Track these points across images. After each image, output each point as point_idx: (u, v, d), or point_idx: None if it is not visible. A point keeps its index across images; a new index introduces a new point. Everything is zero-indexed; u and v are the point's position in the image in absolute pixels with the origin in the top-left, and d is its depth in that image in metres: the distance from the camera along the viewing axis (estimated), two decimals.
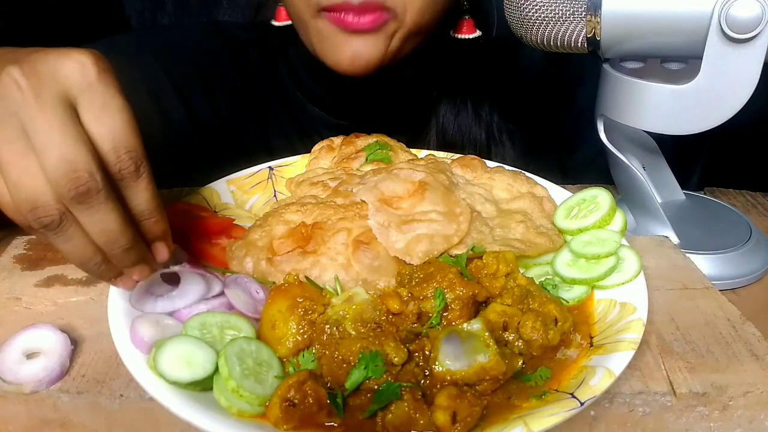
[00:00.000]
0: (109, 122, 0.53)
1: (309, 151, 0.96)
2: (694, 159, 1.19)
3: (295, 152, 0.96)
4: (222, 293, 0.67)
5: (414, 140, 0.98)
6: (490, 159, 0.92)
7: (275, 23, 1.04)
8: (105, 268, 0.59)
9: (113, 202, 0.54)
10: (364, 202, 0.76)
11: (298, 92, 1.16)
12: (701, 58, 0.75)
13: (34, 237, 0.84)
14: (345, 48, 0.87)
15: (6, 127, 0.51)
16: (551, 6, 0.78)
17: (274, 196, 0.90)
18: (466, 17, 1.04)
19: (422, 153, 0.95)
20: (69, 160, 0.51)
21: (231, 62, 1.15)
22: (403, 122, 1.15)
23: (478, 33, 1.04)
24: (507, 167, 0.90)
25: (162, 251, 0.62)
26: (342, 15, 0.84)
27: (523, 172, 0.89)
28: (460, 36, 1.04)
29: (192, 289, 0.66)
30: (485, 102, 1.17)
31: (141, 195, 0.57)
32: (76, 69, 0.52)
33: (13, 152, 0.51)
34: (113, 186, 0.55)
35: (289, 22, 1.00)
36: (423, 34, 0.93)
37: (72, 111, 0.52)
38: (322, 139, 0.97)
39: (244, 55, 1.16)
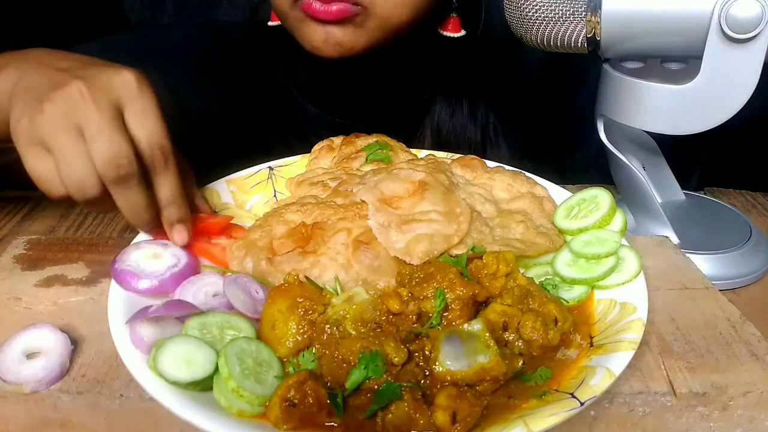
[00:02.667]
0: (147, 125, 0.67)
1: (306, 151, 0.96)
2: (694, 159, 1.19)
3: (293, 152, 0.96)
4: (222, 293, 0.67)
5: (409, 139, 0.99)
6: (485, 159, 0.92)
7: (271, 23, 1.05)
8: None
9: (143, 186, 0.68)
10: (364, 202, 0.76)
11: (294, 90, 1.16)
12: (701, 58, 0.75)
13: (34, 237, 0.84)
14: (318, 30, 0.91)
15: (65, 120, 0.64)
16: (551, 6, 0.78)
17: (274, 196, 0.90)
18: (453, 15, 1.04)
19: (422, 153, 0.95)
20: (114, 149, 0.64)
21: (227, 61, 1.15)
22: (397, 121, 1.15)
23: (462, 32, 1.05)
24: (507, 167, 0.90)
25: (182, 233, 0.73)
26: (312, 3, 0.88)
27: (523, 172, 0.89)
28: (444, 33, 1.05)
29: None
30: (481, 102, 1.17)
31: (167, 184, 0.70)
32: (124, 83, 0.67)
33: (69, 139, 0.64)
34: (145, 176, 0.68)
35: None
36: (402, 28, 0.94)
37: (119, 114, 0.66)
38: (319, 139, 0.97)
39: (240, 54, 1.16)
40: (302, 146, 0.98)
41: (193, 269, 0.71)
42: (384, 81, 1.12)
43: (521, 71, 1.19)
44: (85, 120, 0.64)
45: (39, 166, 0.66)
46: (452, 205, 0.75)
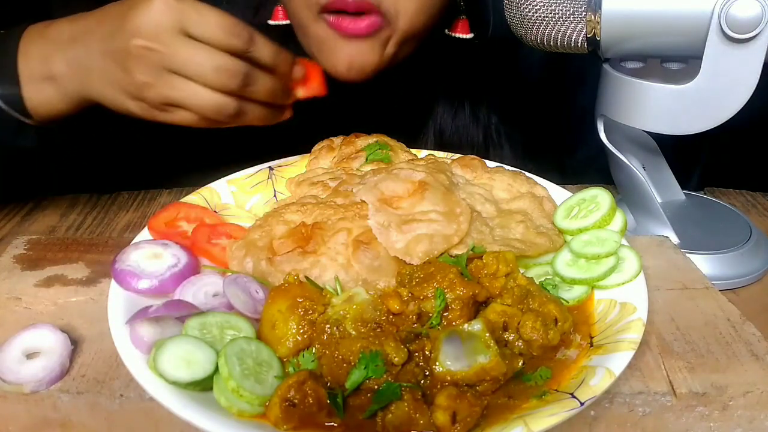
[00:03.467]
0: (213, 24, 0.72)
1: (306, 152, 0.96)
2: (694, 159, 1.19)
3: (293, 152, 0.96)
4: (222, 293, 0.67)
5: (411, 141, 0.99)
6: (488, 160, 0.92)
7: (271, 22, 1.05)
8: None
9: (257, 71, 0.75)
10: (364, 202, 0.76)
11: None
12: (701, 58, 0.75)
13: (34, 237, 0.84)
14: (342, 54, 0.89)
15: (159, 70, 0.72)
16: (551, 6, 0.78)
17: (274, 196, 0.90)
18: (462, 17, 1.04)
19: (422, 153, 0.95)
20: (215, 66, 0.71)
21: None
22: (400, 123, 1.15)
23: (471, 35, 1.05)
24: (507, 167, 0.90)
25: (298, 70, 0.82)
26: (340, 19, 0.87)
27: (523, 172, 0.89)
28: (454, 35, 1.05)
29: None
30: (483, 103, 1.17)
31: (265, 50, 0.76)
32: (164, 10, 0.71)
33: (178, 87, 0.72)
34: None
35: (286, 22, 1.01)
36: (417, 39, 0.94)
37: (188, 35, 0.72)
38: (320, 140, 0.97)
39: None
40: (303, 148, 0.98)
41: (193, 269, 0.71)
42: (390, 87, 1.11)
43: (522, 71, 1.19)
44: (174, 62, 0.71)
45: (181, 118, 0.75)
46: (452, 205, 0.75)
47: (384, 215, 0.73)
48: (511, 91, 1.19)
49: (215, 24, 0.72)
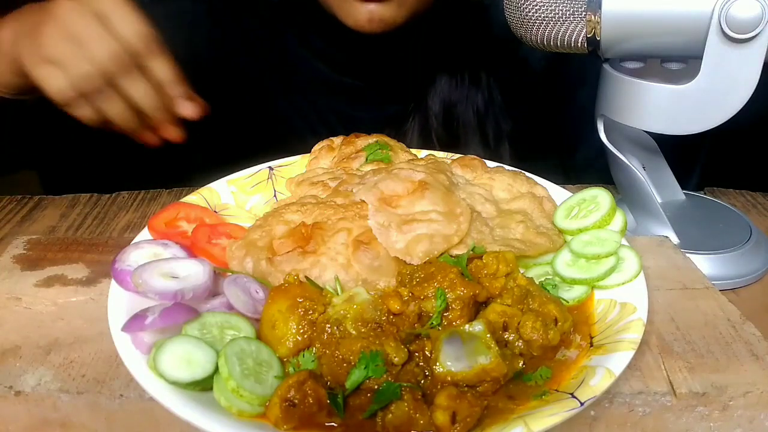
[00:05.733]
0: (126, 24, 0.80)
1: (315, 112, 0.96)
2: (694, 159, 1.19)
3: (301, 113, 0.96)
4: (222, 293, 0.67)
5: (416, 108, 1.00)
6: (490, 135, 0.92)
7: None
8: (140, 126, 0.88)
9: (145, 75, 0.83)
10: (364, 202, 0.76)
11: (304, 50, 1.17)
12: (701, 58, 0.75)
13: (34, 237, 0.84)
14: (363, 9, 0.95)
15: (61, 35, 0.79)
16: (551, 6, 0.78)
17: (274, 196, 0.90)
18: None
19: (422, 153, 0.95)
20: (111, 50, 0.79)
21: (232, 22, 1.15)
22: (403, 87, 1.15)
23: None
24: (507, 167, 0.90)
25: (187, 107, 0.87)
26: None
27: (523, 172, 0.89)
28: None
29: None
30: (482, 74, 1.18)
31: (160, 66, 0.83)
32: None
33: (67, 49, 0.79)
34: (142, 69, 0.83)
35: None
36: None
37: (104, 19, 0.79)
38: (326, 100, 0.97)
39: (246, 12, 1.17)
40: (311, 108, 0.99)
41: None
42: (399, 44, 1.13)
43: (522, 62, 1.20)
44: (78, 30, 0.78)
45: (51, 77, 0.80)
46: (452, 205, 0.75)
47: (384, 215, 0.73)
48: (510, 62, 1.19)
49: (128, 23, 0.80)
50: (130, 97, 0.83)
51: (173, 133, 0.90)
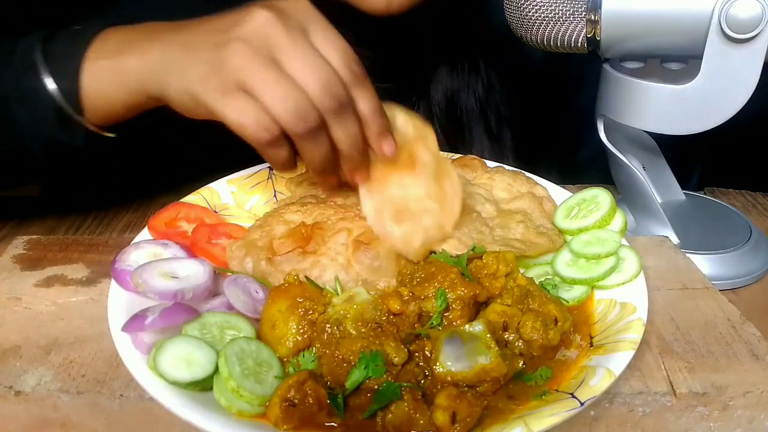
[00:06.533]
0: (337, 44, 0.66)
1: None
2: (694, 159, 1.19)
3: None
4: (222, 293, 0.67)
5: (419, 95, 0.99)
6: (491, 118, 0.91)
7: None
8: (334, 171, 0.72)
9: (355, 111, 0.67)
10: None
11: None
12: (701, 58, 0.75)
13: (34, 237, 0.84)
14: None
15: (258, 55, 0.62)
16: (551, 6, 0.78)
17: (274, 196, 0.90)
18: None
19: None
20: (325, 76, 0.63)
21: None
22: (405, 80, 1.15)
23: None
24: (507, 167, 0.90)
25: (389, 144, 0.70)
26: None
27: (523, 172, 0.89)
28: None
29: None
30: (481, 64, 1.17)
31: (368, 96, 0.68)
32: (297, 5, 0.65)
33: (271, 73, 0.62)
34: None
35: None
36: None
37: (308, 38, 0.65)
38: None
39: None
40: None
41: None
42: (407, 26, 1.10)
43: (524, 60, 1.19)
44: (282, 52, 0.63)
45: (245, 112, 0.63)
46: (443, 182, 0.74)
47: (378, 198, 0.72)
48: (508, 50, 1.19)
49: (338, 41, 0.66)
50: (337, 136, 0.67)
51: (363, 177, 0.73)
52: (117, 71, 0.73)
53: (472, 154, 0.93)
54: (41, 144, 0.77)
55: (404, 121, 0.73)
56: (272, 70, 0.62)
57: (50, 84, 0.72)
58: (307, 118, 0.64)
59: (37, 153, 0.78)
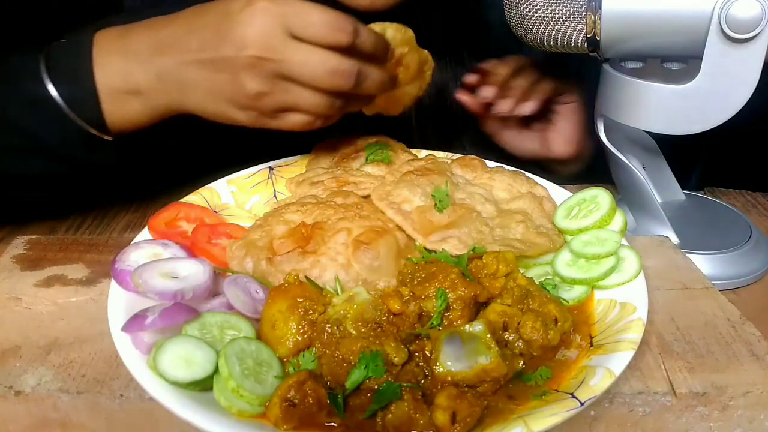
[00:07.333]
0: (315, 21, 0.70)
1: (306, 152, 0.96)
2: (694, 159, 1.19)
3: (293, 152, 0.96)
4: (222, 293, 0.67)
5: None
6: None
7: None
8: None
9: (366, 66, 0.74)
10: (364, 202, 0.76)
11: None
12: (701, 58, 0.75)
13: (34, 237, 0.84)
14: None
15: (274, 84, 0.72)
16: (551, 6, 0.78)
17: (274, 196, 0.90)
18: None
19: (422, 153, 0.95)
20: (331, 68, 0.71)
21: None
22: None
23: None
24: (507, 167, 0.90)
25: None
26: None
27: (523, 172, 0.89)
28: None
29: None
30: (464, 57, 1.17)
31: (368, 39, 0.74)
32: (268, 15, 0.69)
33: (291, 90, 0.72)
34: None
35: None
36: None
37: (293, 37, 0.70)
38: (320, 140, 0.97)
39: None
40: (303, 148, 0.97)
41: None
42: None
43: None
44: (286, 66, 0.70)
45: (298, 123, 0.75)
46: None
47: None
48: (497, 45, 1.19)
49: (319, 22, 0.70)
50: (372, 91, 0.78)
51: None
52: (133, 92, 0.76)
53: (463, 146, 0.93)
54: (69, 165, 0.82)
55: (393, 31, 0.82)
56: (289, 89, 0.72)
57: (72, 116, 0.76)
58: (333, 105, 0.74)
59: (64, 172, 0.82)
